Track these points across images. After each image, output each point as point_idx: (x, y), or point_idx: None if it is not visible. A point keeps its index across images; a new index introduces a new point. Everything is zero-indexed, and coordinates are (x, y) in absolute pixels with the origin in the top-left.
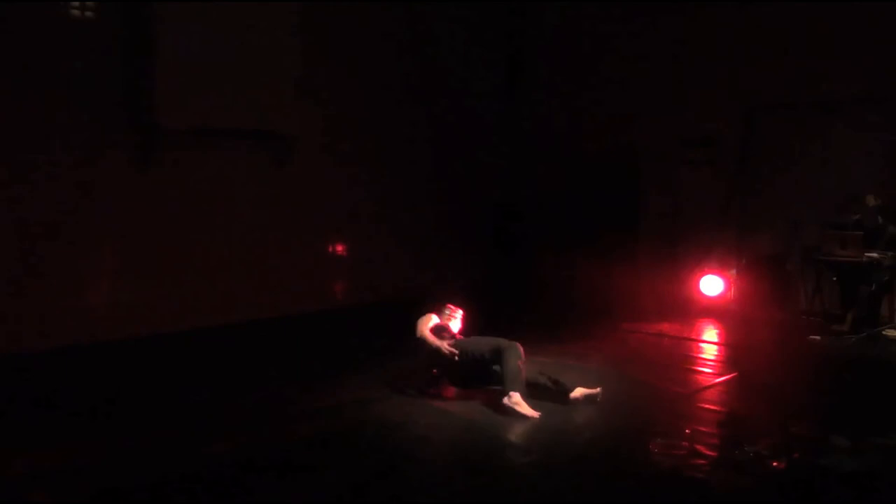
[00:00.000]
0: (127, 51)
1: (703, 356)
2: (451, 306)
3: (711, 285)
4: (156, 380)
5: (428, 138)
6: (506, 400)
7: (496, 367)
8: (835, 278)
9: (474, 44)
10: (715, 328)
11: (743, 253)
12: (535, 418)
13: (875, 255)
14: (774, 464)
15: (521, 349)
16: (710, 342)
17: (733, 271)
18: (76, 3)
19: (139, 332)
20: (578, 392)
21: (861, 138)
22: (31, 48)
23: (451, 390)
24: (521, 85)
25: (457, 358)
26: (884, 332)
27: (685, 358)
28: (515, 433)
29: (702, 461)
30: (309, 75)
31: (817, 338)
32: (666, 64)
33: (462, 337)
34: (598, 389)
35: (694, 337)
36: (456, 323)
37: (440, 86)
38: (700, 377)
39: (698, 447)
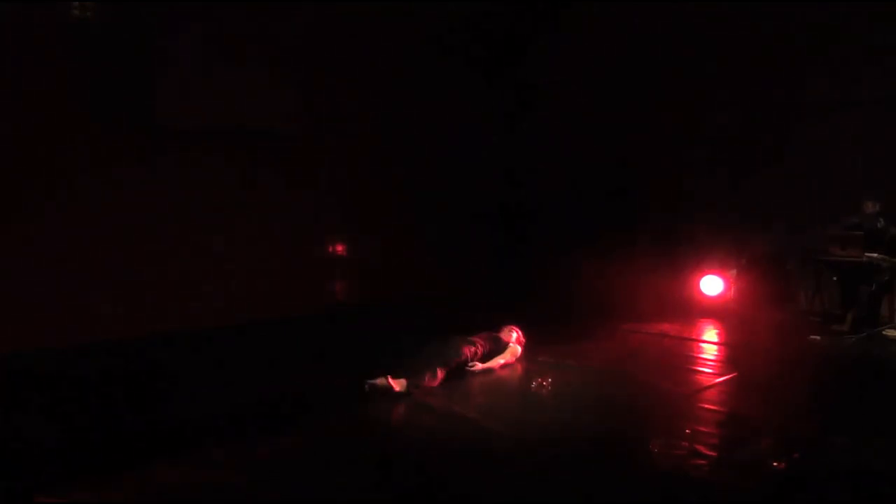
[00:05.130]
0: (127, 51)
1: (703, 356)
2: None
3: (711, 285)
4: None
5: (428, 138)
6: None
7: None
8: (835, 278)
9: (474, 43)
10: (715, 328)
11: (743, 253)
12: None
13: (875, 255)
14: (774, 464)
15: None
16: (710, 342)
17: (733, 271)
18: (76, 4)
19: (139, 332)
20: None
21: (861, 139)
22: (30, 48)
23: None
24: (520, 86)
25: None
26: (884, 333)
27: (685, 358)
28: (516, 433)
29: (702, 461)
30: (310, 75)
31: (817, 338)
32: (666, 63)
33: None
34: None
35: (694, 337)
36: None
37: (440, 86)
38: (700, 377)
39: (698, 447)
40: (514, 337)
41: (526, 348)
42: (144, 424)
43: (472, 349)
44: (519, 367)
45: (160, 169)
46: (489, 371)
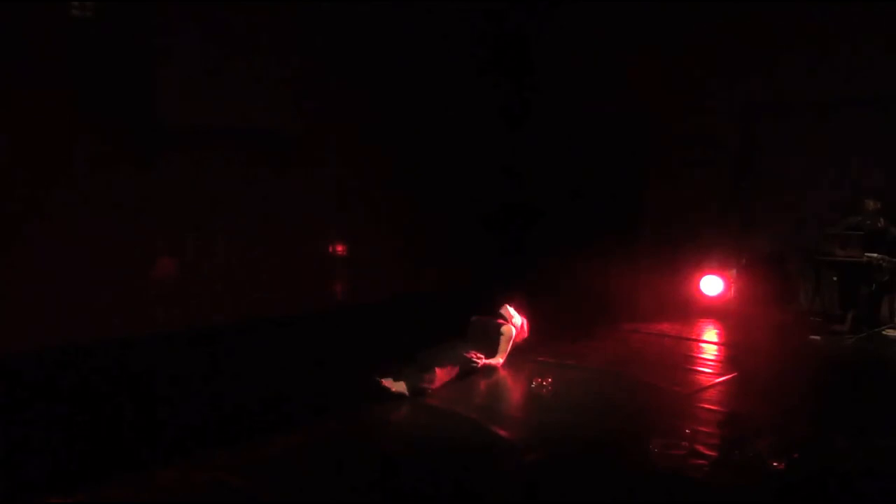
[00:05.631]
0: (127, 50)
1: (703, 356)
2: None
3: (711, 285)
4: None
5: (429, 137)
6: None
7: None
8: (835, 278)
9: (475, 41)
10: (715, 328)
11: (743, 253)
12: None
13: (875, 255)
14: (774, 464)
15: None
16: (710, 342)
17: (733, 271)
18: (76, 3)
19: (139, 332)
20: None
21: (861, 139)
22: (31, 47)
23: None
24: (520, 85)
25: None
26: (884, 333)
27: (685, 358)
28: (516, 433)
29: (702, 461)
30: (310, 73)
31: (817, 338)
32: (667, 63)
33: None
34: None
35: (694, 337)
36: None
37: (442, 84)
38: (700, 377)
39: (698, 447)
40: (517, 321)
41: (525, 348)
42: (145, 424)
43: (477, 354)
44: (519, 368)
45: (160, 168)
46: (492, 368)
